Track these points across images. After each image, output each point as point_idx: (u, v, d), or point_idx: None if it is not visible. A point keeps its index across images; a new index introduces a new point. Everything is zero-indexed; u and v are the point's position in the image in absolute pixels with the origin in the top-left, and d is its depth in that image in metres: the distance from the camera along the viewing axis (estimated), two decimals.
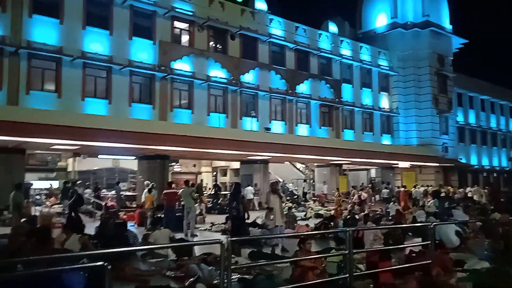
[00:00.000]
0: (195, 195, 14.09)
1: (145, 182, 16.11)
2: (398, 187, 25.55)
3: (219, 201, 21.48)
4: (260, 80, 25.98)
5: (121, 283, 6.45)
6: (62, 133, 15.24)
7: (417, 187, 25.05)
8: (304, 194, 26.97)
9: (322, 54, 29.31)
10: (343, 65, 30.94)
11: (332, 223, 12.55)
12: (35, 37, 18.38)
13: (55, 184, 19.25)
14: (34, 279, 4.52)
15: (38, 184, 19.03)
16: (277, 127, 26.52)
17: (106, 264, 4.27)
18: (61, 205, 16.04)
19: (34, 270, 4.32)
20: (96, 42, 20.12)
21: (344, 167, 29.45)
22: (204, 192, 22.44)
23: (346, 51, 31.08)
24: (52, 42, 18.82)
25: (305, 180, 29.29)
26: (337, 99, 29.88)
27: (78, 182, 16.69)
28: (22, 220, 10.64)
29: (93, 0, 20.26)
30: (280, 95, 26.98)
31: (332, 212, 15.78)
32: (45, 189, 18.55)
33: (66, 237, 7.78)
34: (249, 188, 21.67)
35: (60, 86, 18.99)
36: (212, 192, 23.27)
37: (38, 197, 17.98)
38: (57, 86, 19.00)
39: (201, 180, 26.82)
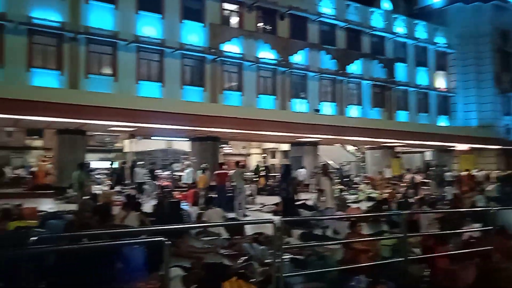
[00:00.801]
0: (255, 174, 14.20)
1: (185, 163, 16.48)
2: (456, 171, 24.49)
3: (268, 183, 21.63)
4: (310, 60, 25.58)
5: (177, 259, 6.70)
6: (119, 115, 15.88)
7: (476, 170, 23.87)
8: (355, 176, 26.54)
9: (374, 32, 28.32)
10: (396, 43, 29.76)
11: (385, 206, 12.28)
12: (92, 23, 19.10)
13: (114, 164, 20.24)
14: (99, 251, 4.81)
15: (98, 164, 20.06)
16: (327, 108, 26.11)
17: (164, 239, 4.44)
18: (119, 185, 16.86)
19: (99, 243, 4.59)
20: (148, 26, 20.61)
21: (398, 149, 28.58)
22: (262, 173, 22.65)
23: (400, 28, 29.84)
24: (108, 27, 19.49)
25: (356, 163, 28.78)
26: (390, 79, 28.88)
27: (138, 162, 17.40)
28: (85, 197, 11.27)
29: None
30: (330, 76, 26.47)
31: (385, 195, 15.43)
32: (105, 168, 19.53)
33: (126, 214, 8.16)
34: (301, 170, 21.62)
35: (116, 70, 19.72)
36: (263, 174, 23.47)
37: (98, 176, 18.98)
38: (113, 69, 19.74)
39: (263, 162, 26.86)
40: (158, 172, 18.87)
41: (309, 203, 13.13)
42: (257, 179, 21.69)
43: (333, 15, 26.51)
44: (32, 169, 18.21)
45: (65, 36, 18.44)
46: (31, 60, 17.76)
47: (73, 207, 9.63)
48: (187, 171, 17.97)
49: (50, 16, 18.14)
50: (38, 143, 19.96)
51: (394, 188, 17.70)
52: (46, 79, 17.83)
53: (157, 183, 17.74)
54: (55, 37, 18.37)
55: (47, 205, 12.06)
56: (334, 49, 26.54)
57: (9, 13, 17.18)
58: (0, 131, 19.06)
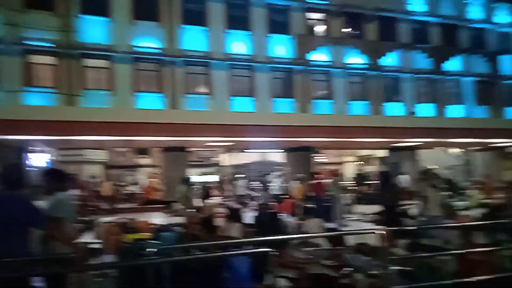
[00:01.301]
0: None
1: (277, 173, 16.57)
2: None
3: (367, 191, 20.96)
4: (402, 61, 24.51)
5: (280, 270, 6.79)
6: (216, 131, 16.62)
7: None
8: (462, 181, 24.58)
9: (472, 25, 26.28)
10: (499, 34, 27.27)
11: (501, 213, 11.21)
12: (186, 46, 20.38)
13: (214, 178, 21.24)
14: (208, 261, 5.09)
15: (198, 178, 21.17)
16: (425, 110, 24.70)
17: (270, 250, 4.56)
18: (221, 197, 17.62)
19: (210, 254, 4.87)
20: (238, 43, 21.41)
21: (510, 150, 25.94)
22: (360, 181, 22.15)
23: (501, 17, 27.31)
24: (202, 48, 20.63)
25: (461, 166, 26.67)
26: (494, 73, 26.49)
27: (236, 175, 18.04)
28: (190, 210, 11.94)
29: (233, 3, 21.55)
30: (425, 75, 25.07)
31: (499, 200, 14.08)
32: (205, 182, 20.57)
33: (229, 226, 8.51)
34: (401, 176, 20.64)
35: (211, 88, 20.75)
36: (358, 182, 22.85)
37: (199, 190, 19.99)
38: (209, 88, 20.81)
39: (359, 170, 26.30)
40: (255, 184, 19.34)
41: (413, 211, 12.48)
42: (355, 187, 21.15)
43: (424, 12, 25.17)
44: (142, 185, 19.78)
45: (164, 60, 19.90)
46: (136, 85, 19.44)
47: (181, 219, 10.26)
48: (278, 181, 18.17)
49: (151, 44, 19.74)
50: (146, 161, 21.69)
51: (509, 193, 16.06)
52: (150, 102, 19.38)
53: (254, 194, 18.19)
54: (156, 62, 19.93)
55: (158, 219, 13.00)
56: (428, 47, 25.13)
57: (116, 45, 19.04)
58: (113, 152, 21.05)
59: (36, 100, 17.69)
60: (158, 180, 18.28)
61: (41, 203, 4.73)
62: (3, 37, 17.34)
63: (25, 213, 4.22)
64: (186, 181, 13.60)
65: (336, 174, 14.67)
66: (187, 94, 20.27)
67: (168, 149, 17.72)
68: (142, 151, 21.29)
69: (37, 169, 14.77)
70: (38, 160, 16.20)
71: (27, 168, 14.70)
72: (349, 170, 25.75)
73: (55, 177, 3.73)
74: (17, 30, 17.36)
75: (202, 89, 20.83)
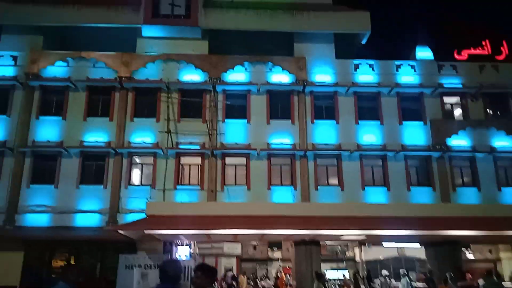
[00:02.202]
0: None
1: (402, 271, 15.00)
2: None
3: None
4: None
5: None
6: (349, 223, 16.35)
7: None
8: None
9: None
10: None
11: None
12: (317, 139, 21.16)
13: (346, 273, 20.39)
14: None
15: (331, 273, 20.54)
16: None
17: None
18: None
19: None
20: (369, 134, 21.46)
21: None
22: None
23: None
24: (332, 141, 21.17)
25: None
26: None
27: (371, 271, 17.07)
28: None
29: (362, 96, 22.07)
30: None
31: None
32: (338, 279, 19.83)
33: None
34: None
35: (341, 179, 20.79)
36: None
37: (333, 286, 19.30)
38: (339, 179, 20.88)
39: None
40: (393, 282, 17.96)
41: None
42: None
43: None
44: (275, 279, 19.90)
45: (296, 154, 20.86)
46: (270, 178, 20.54)
47: None
48: (403, 281, 16.54)
49: (284, 139, 21.04)
50: (278, 254, 22.05)
51: None
52: (282, 195, 20.16)
53: None
54: (288, 157, 21.00)
55: None
56: None
57: (252, 143, 20.76)
58: (247, 246, 21.97)
59: (184, 197, 19.85)
60: (290, 274, 18.27)
61: None
62: (160, 142, 20.36)
63: None
64: (320, 276, 13.35)
65: (490, 273, 12.88)
66: (319, 186, 20.60)
67: (300, 242, 17.85)
68: (275, 244, 21.79)
69: (183, 262, 16.15)
70: (183, 252, 17.75)
71: (181, 263, 16.15)
72: (508, 268, 22.19)
73: (207, 273, 4.09)
74: (172, 136, 20.28)
75: (333, 181, 20.98)
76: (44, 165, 20.16)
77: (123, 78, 21.09)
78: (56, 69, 21.26)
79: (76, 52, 21.50)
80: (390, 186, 20.73)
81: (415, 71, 22.54)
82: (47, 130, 20.54)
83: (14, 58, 21.34)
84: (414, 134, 21.62)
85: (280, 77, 21.94)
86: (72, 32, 23.00)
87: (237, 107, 21.60)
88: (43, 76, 21.04)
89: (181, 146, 20.51)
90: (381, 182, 20.93)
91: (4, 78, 20.86)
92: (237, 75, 21.81)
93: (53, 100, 21.11)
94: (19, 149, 19.89)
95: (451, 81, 22.31)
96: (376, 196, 20.37)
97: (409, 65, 22.66)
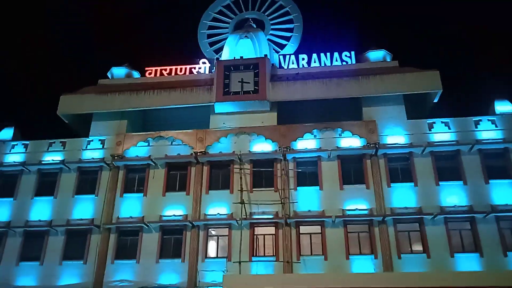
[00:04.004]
0: None
1: None
2: None
3: None
4: None
5: None
6: None
7: None
8: None
9: None
10: None
11: None
12: (394, 203, 20.16)
13: None
14: None
15: None
16: None
17: None
18: None
19: None
20: (452, 195, 20.09)
21: None
22: None
23: None
24: (411, 204, 20.06)
25: None
26: None
27: None
28: None
29: (440, 155, 21.03)
30: None
31: None
32: None
33: None
34: None
35: (427, 245, 19.29)
36: None
37: None
38: (424, 245, 19.40)
39: None
40: None
41: None
42: None
43: None
44: None
45: (374, 220, 19.92)
46: (348, 247, 19.61)
47: None
48: None
49: (359, 205, 20.30)
50: None
51: None
52: (362, 265, 19.05)
53: None
54: (365, 224, 20.08)
55: None
56: None
57: (326, 210, 20.27)
58: None
59: (260, 269, 19.49)
60: None
61: None
62: (234, 214, 20.60)
63: None
64: None
65: None
66: (402, 254, 19.24)
67: None
68: None
69: None
70: None
71: None
72: None
73: None
74: (245, 207, 20.48)
75: (418, 248, 19.52)
76: (127, 241, 21.14)
77: (198, 153, 22.16)
78: (138, 149, 22.97)
79: (156, 133, 23.22)
80: (483, 251, 18.80)
81: (496, 126, 21.28)
82: (130, 207, 21.78)
83: (102, 142, 23.50)
84: (504, 193, 19.87)
85: (351, 141, 21.75)
86: (153, 115, 25.14)
87: (309, 174, 21.53)
88: (126, 157, 22.78)
89: (254, 216, 20.57)
90: (472, 248, 19.08)
91: (93, 160, 22.90)
92: (307, 143, 22.00)
93: (135, 178, 22.60)
94: (105, 226, 21.16)
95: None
96: (468, 263, 18.51)
97: (488, 120, 21.47)
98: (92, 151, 23.30)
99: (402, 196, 20.42)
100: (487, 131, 21.18)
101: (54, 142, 23.83)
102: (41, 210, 22.22)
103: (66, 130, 25.59)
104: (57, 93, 24.79)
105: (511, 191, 19.88)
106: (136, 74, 26.52)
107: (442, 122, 21.72)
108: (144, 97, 23.95)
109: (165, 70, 25.83)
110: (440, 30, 48.93)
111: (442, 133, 21.48)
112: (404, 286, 15.64)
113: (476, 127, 21.38)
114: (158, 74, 25.71)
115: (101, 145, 23.45)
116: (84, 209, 21.99)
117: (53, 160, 23.14)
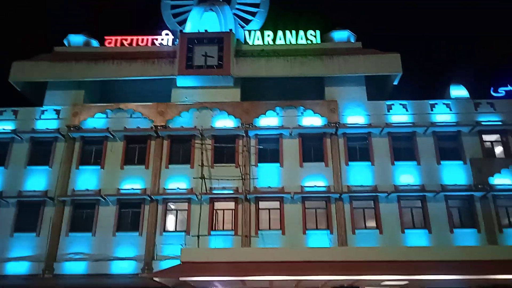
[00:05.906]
0: None
1: None
2: None
3: None
4: None
5: None
6: (388, 268, 15.56)
7: None
8: None
9: None
10: None
11: None
12: (352, 182, 20.77)
13: None
14: None
15: None
16: None
17: None
18: None
19: None
20: (405, 174, 20.89)
21: None
22: None
23: None
24: (367, 182, 20.74)
25: None
26: None
27: None
28: None
29: (397, 136, 21.73)
30: None
31: None
32: None
33: None
34: None
35: (380, 222, 20.08)
36: None
37: None
38: (377, 222, 20.19)
39: None
40: None
41: None
42: None
43: None
44: None
45: (331, 197, 20.46)
46: (305, 223, 20.12)
47: None
48: None
49: (318, 182, 20.76)
50: None
51: None
52: (318, 240, 19.63)
53: None
54: (323, 200, 20.60)
55: None
56: None
57: (286, 187, 20.62)
58: None
59: (219, 242, 19.67)
60: None
61: None
62: (194, 188, 20.55)
63: None
64: None
65: None
66: (356, 229, 19.96)
67: None
68: None
69: None
70: None
71: None
72: None
73: None
74: (206, 182, 20.46)
75: (371, 224, 20.29)
76: (83, 214, 20.68)
77: (159, 127, 21.77)
78: (96, 121, 22.26)
79: (115, 104, 22.53)
80: (432, 228, 19.83)
81: (450, 109, 22.14)
82: (86, 180, 21.22)
83: (57, 112, 22.57)
84: (454, 173, 20.88)
85: (312, 120, 22.03)
86: (112, 86, 24.30)
87: (270, 151, 21.71)
88: (83, 128, 22.04)
89: (214, 191, 20.61)
90: (422, 225, 20.07)
91: (47, 131, 21.99)
92: (269, 120, 22.08)
93: (92, 151, 21.96)
94: (59, 198, 20.56)
95: (490, 119, 21.69)
96: (417, 239, 19.51)
97: (444, 104, 22.31)
98: (46, 121, 22.36)
99: (359, 175, 21.04)
100: (442, 115, 22.02)
101: (5, 111, 22.68)
102: None
103: (20, 99, 24.36)
104: (9, 60, 23.44)
105: (461, 171, 20.90)
106: (95, 43, 25.43)
107: (400, 104, 22.36)
108: (103, 67, 23.07)
109: (126, 40, 24.87)
110: (405, 15, 49.93)
111: (399, 115, 22.13)
112: (357, 259, 16.19)
113: (432, 110, 22.17)
114: (118, 44, 24.70)
115: (56, 115, 22.53)
116: (37, 180, 21.22)
117: (3, 129, 22.06)
